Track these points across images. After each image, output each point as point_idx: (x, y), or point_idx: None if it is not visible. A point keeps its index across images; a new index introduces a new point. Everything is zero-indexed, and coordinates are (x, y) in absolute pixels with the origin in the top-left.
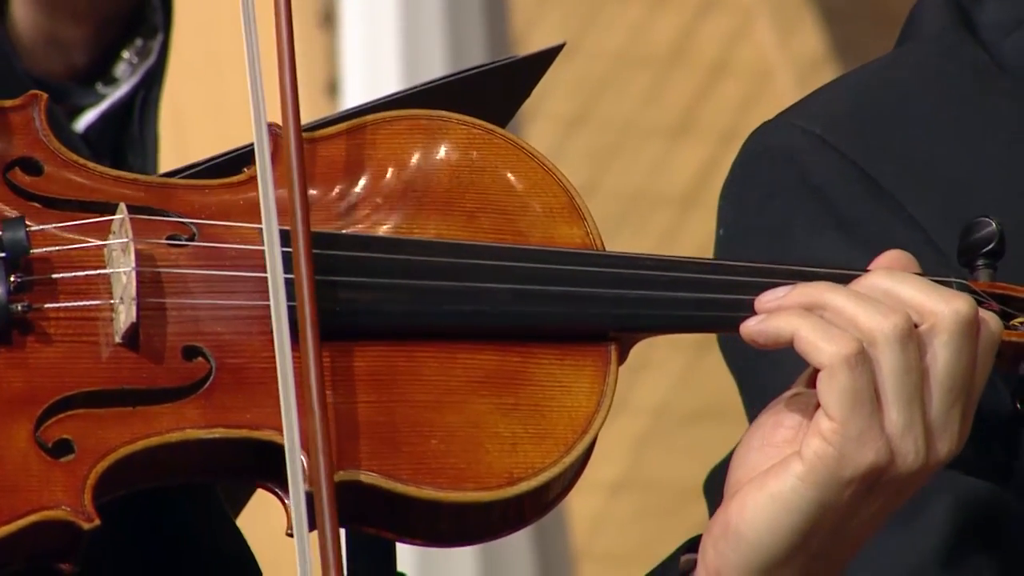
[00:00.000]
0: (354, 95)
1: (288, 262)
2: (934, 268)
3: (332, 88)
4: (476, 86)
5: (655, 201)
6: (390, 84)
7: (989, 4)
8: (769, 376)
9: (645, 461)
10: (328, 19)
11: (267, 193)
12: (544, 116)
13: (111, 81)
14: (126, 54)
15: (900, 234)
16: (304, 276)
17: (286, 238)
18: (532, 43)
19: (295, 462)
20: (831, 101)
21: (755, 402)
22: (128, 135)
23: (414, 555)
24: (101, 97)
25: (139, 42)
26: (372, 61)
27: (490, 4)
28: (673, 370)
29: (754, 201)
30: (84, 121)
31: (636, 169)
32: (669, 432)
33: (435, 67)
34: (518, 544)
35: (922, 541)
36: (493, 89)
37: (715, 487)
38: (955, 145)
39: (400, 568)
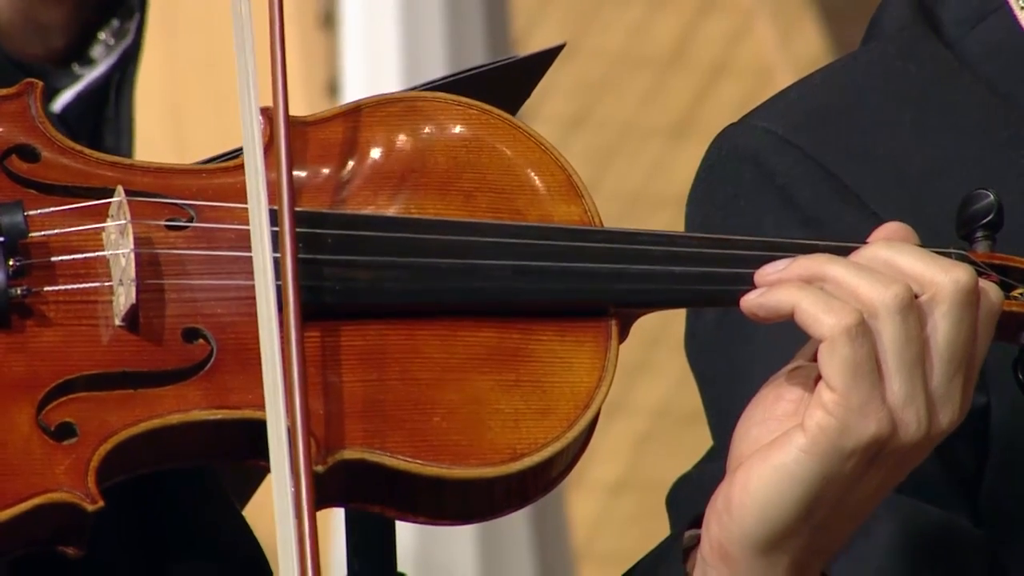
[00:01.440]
0: (354, 95)
1: (276, 241)
2: None
3: (332, 88)
4: (476, 86)
5: (655, 202)
6: (390, 84)
7: None
8: (738, 397)
9: (645, 462)
10: (328, 20)
11: (255, 170)
12: (544, 116)
13: (88, 62)
14: (102, 35)
15: (865, 231)
16: (288, 253)
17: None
18: (532, 43)
19: (279, 437)
20: (794, 102)
21: (723, 416)
22: (104, 115)
23: (414, 555)
24: (77, 78)
25: (115, 23)
26: (372, 61)
27: (490, 4)
28: (673, 371)
29: (720, 203)
30: (61, 101)
31: (636, 170)
32: (669, 433)
33: (435, 67)
34: (518, 544)
35: (866, 565)
36: (493, 89)
37: (678, 500)
38: (917, 141)
39: (400, 568)
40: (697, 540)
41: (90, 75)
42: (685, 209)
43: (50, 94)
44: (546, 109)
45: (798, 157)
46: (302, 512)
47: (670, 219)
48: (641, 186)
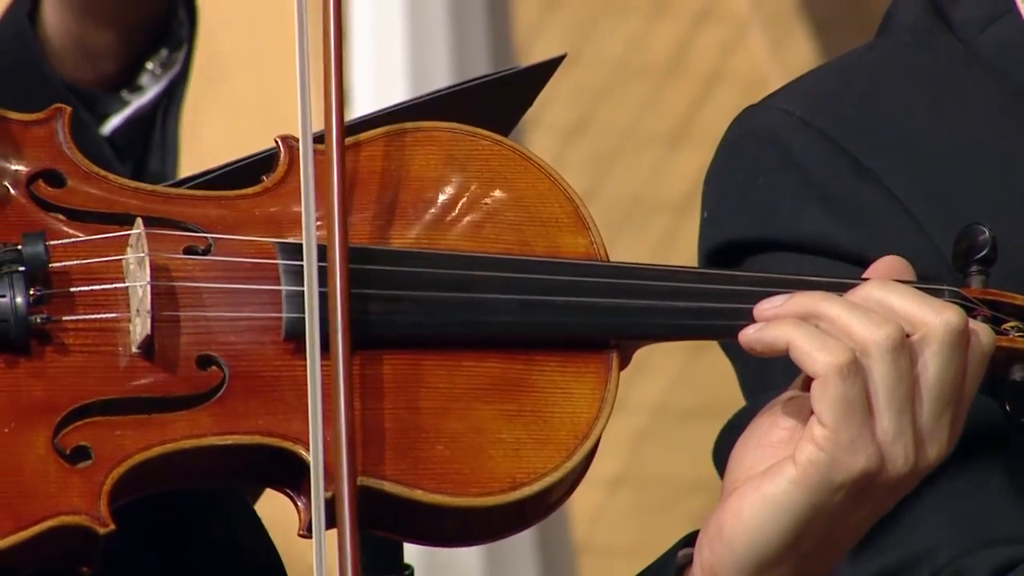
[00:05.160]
0: (362, 105)
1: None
2: (910, 234)
3: None
4: (481, 96)
5: (653, 207)
6: (397, 94)
7: (964, 1)
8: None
9: (644, 457)
10: None
11: (308, 211)
12: (545, 124)
13: (136, 89)
14: (151, 64)
15: (879, 206)
16: (338, 290)
17: (298, 252)
18: (534, 54)
19: (318, 468)
20: (811, 85)
21: (754, 384)
22: (151, 140)
23: (419, 547)
24: (126, 103)
25: (164, 53)
26: (379, 72)
27: (494, 17)
28: (671, 369)
29: (738, 181)
30: (110, 126)
31: (635, 176)
32: (667, 429)
33: (440, 77)
34: (521, 538)
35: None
36: (497, 98)
37: (723, 451)
38: (930, 123)
39: (406, 560)
40: (690, 560)
41: (138, 101)
42: (703, 190)
43: (100, 118)
44: (547, 117)
45: (815, 136)
46: (344, 546)
47: (668, 223)
48: (640, 191)
